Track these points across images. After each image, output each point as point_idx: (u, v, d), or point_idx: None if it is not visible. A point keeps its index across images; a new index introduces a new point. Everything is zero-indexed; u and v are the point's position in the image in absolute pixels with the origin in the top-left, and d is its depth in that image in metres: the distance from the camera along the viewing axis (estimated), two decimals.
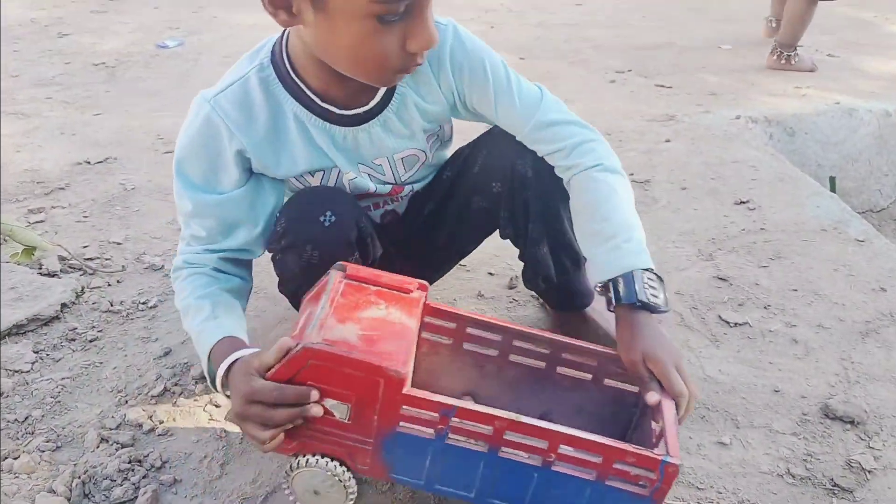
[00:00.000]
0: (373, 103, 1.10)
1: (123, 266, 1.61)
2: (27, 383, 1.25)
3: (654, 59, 3.17)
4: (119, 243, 1.71)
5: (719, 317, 1.48)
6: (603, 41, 3.42)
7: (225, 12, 3.92)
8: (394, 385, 0.85)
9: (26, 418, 1.18)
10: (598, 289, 1.10)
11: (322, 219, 1.05)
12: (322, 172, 1.14)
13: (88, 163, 2.14)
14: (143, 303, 1.48)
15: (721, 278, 1.61)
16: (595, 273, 1.10)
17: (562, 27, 3.62)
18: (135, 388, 1.25)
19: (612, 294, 1.05)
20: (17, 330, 1.37)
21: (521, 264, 1.34)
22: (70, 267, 1.59)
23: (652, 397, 0.95)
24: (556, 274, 1.29)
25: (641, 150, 2.27)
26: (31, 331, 1.38)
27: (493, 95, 1.13)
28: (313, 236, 1.05)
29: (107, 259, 1.64)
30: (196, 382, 1.26)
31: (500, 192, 1.20)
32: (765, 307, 1.52)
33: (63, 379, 1.26)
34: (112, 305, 1.47)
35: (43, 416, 1.18)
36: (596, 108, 2.59)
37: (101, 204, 1.90)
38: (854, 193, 2.66)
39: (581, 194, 1.13)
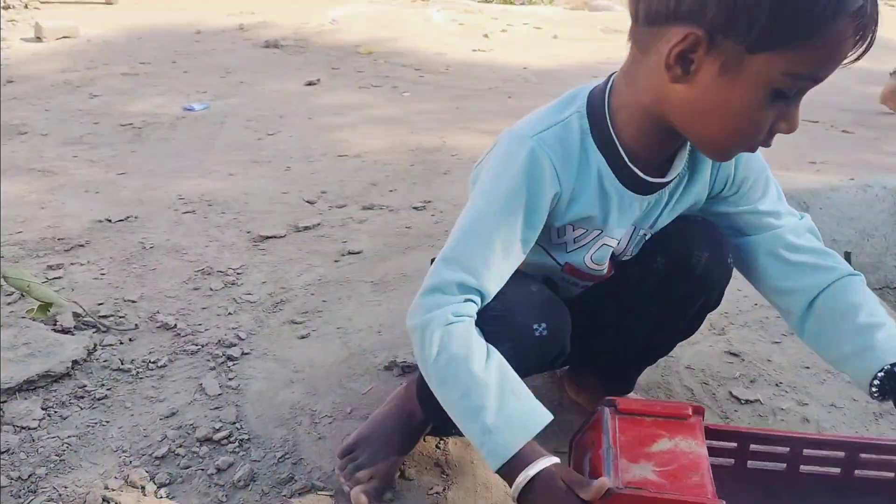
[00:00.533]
0: (671, 176, 1.09)
1: (136, 324, 1.63)
2: (33, 440, 1.26)
3: None
4: (134, 301, 1.73)
5: (730, 393, 1.46)
6: None
7: (252, 77, 4.05)
8: None
9: (30, 476, 1.18)
10: (874, 387, 1.05)
11: (536, 327, 1.05)
12: (584, 231, 1.11)
13: (109, 220, 2.19)
14: (153, 362, 1.49)
15: (733, 353, 1.60)
16: (873, 360, 1.05)
17: None
18: (139, 448, 1.25)
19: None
20: (28, 386, 1.38)
21: None
22: (84, 324, 1.62)
23: None
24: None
25: None
26: (42, 387, 1.39)
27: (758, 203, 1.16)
28: (522, 342, 1.05)
29: (121, 317, 1.66)
30: (201, 444, 1.26)
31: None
32: (776, 384, 1.50)
33: (69, 437, 1.26)
34: (122, 364, 1.48)
35: (47, 474, 1.18)
36: None
37: (119, 262, 1.93)
38: (870, 270, 2.64)
39: (847, 295, 1.12)
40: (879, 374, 1.03)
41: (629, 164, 1.05)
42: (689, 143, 1.08)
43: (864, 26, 0.88)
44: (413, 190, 2.55)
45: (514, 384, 0.98)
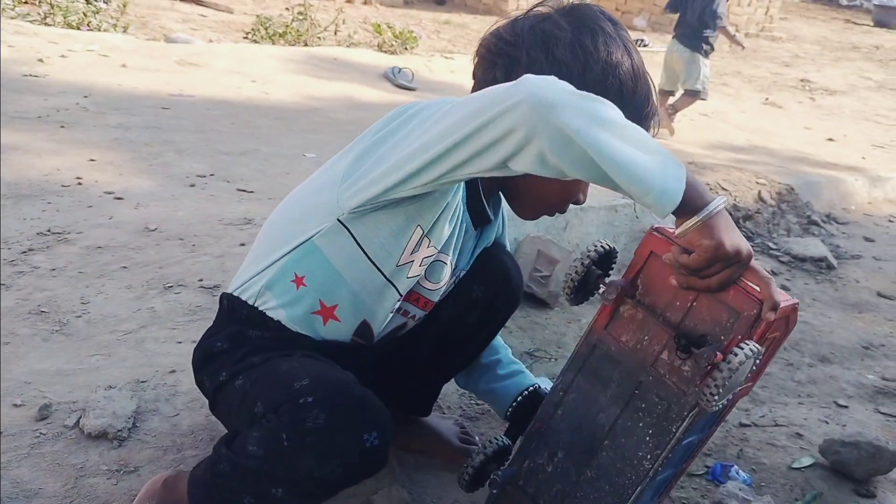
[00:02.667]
0: (492, 216, 1.28)
1: None
2: None
3: (239, 165, 3.18)
4: None
5: None
6: (187, 145, 3.34)
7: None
8: None
9: None
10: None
11: (366, 437, 0.95)
12: (428, 240, 1.14)
13: None
14: None
15: None
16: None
17: (143, 130, 3.46)
18: None
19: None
20: None
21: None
22: None
23: None
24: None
25: (215, 253, 2.20)
26: None
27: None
28: (347, 453, 0.95)
29: None
30: None
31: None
32: None
33: None
34: None
35: None
36: (169, 213, 2.47)
37: None
38: None
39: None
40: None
41: (482, 196, 1.21)
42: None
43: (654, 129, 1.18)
44: None
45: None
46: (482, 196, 1.21)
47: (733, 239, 0.94)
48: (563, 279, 1.21)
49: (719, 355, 0.98)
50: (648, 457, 1.08)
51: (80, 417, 1.40)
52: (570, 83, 0.96)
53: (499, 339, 1.48)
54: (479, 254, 1.30)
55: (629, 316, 1.08)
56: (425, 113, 1.07)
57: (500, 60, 1.13)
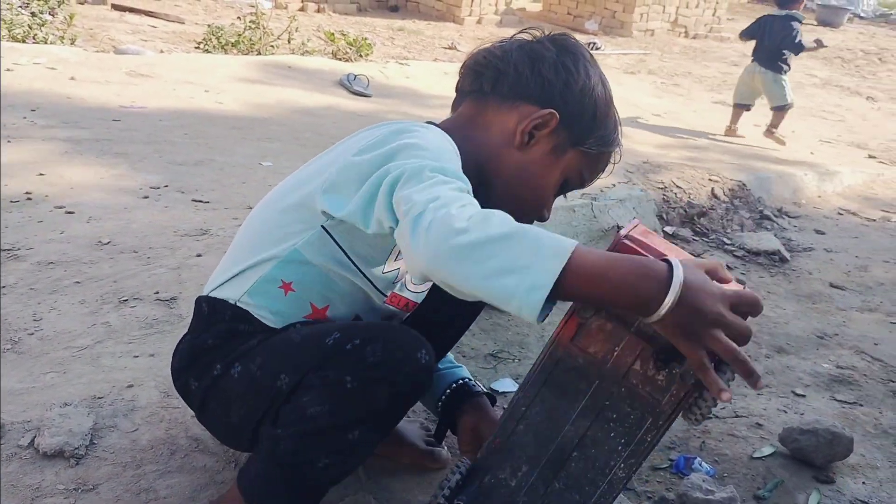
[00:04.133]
0: None
1: None
2: None
3: (194, 176, 3.13)
4: None
5: None
6: (140, 157, 3.28)
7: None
8: None
9: None
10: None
11: (419, 355, 1.04)
12: None
13: None
14: None
15: None
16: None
17: (94, 142, 3.39)
18: None
19: None
20: None
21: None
22: None
23: None
24: None
25: (171, 265, 2.16)
26: None
27: None
28: (412, 371, 1.03)
29: None
30: None
31: None
32: None
33: None
34: None
35: None
36: (123, 226, 2.42)
37: None
38: None
39: None
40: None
41: None
42: None
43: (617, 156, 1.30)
44: None
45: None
46: None
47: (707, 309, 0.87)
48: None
49: None
50: (622, 465, 1.06)
51: (35, 437, 1.37)
52: (553, 98, 1.19)
53: None
54: None
55: (597, 327, 1.03)
56: (407, 159, 1.03)
57: (487, 72, 1.23)
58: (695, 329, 0.86)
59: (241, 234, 1.25)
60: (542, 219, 1.28)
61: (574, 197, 3.34)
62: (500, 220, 0.89)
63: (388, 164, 1.02)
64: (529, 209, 1.25)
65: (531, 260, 0.84)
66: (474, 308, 1.42)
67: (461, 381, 1.46)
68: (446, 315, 1.37)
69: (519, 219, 1.24)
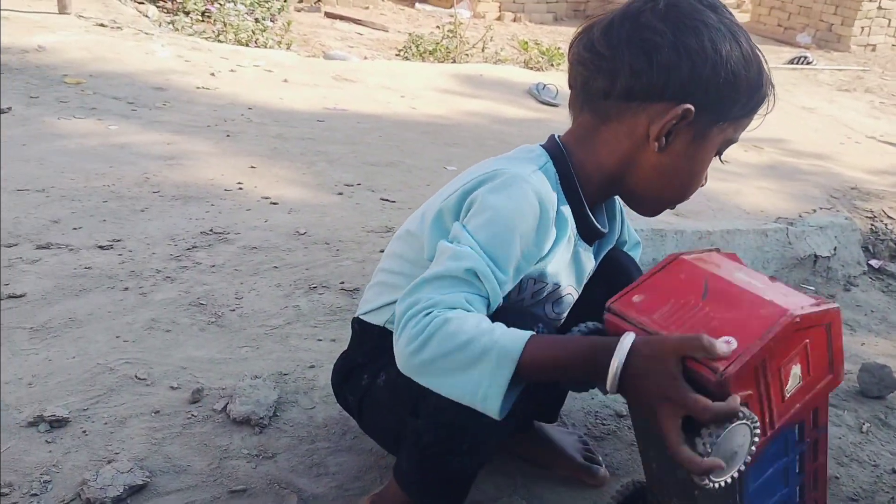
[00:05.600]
0: (605, 228, 1.23)
1: None
2: None
3: (384, 176, 3.31)
4: None
5: None
6: (338, 156, 3.51)
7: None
8: None
9: None
10: None
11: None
12: (543, 285, 1.15)
13: None
14: None
15: None
16: None
17: (299, 140, 3.68)
18: None
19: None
20: None
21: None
22: None
23: None
24: None
25: (357, 258, 2.30)
26: None
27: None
28: None
29: None
30: None
31: None
32: None
33: None
34: None
35: None
36: (318, 219, 2.61)
37: None
38: None
39: None
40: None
41: (590, 214, 1.16)
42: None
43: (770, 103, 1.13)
44: (101, 228, 2.34)
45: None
46: (588, 213, 1.17)
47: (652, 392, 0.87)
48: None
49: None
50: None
51: (228, 403, 1.51)
52: (679, 84, 1.04)
53: None
54: (602, 257, 1.29)
55: None
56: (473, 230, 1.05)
57: (600, 76, 1.08)
58: (650, 402, 0.87)
59: (392, 257, 1.26)
60: (684, 199, 1.19)
61: (768, 220, 3.15)
62: (463, 336, 0.93)
63: (455, 223, 1.06)
64: (680, 197, 1.17)
65: (482, 372, 0.92)
66: None
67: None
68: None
69: (663, 209, 1.20)
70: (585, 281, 1.26)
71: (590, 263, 1.24)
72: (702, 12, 1.05)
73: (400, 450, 1.21)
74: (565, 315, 1.26)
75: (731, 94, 1.06)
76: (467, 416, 1.00)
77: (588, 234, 1.19)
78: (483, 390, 0.91)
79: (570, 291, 1.22)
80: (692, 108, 1.04)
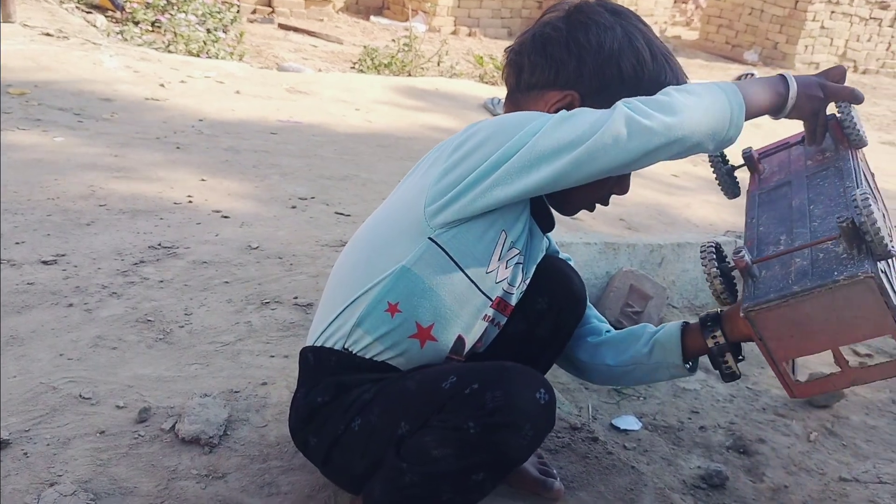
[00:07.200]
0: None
1: None
2: None
3: (339, 189, 3.29)
4: None
5: None
6: (291, 169, 3.48)
7: None
8: None
9: None
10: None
11: (539, 396, 1.03)
12: (512, 243, 1.18)
13: None
14: None
15: None
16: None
17: (252, 153, 3.63)
18: None
19: None
20: None
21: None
22: None
23: None
24: None
25: (311, 273, 2.28)
26: None
27: None
28: (533, 414, 1.02)
29: None
30: None
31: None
32: None
33: None
34: None
35: None
36: (271, 233, 2.58)
37: None
38: None
39: None
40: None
41: (547, 203, 1.25)
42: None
43: None
44: (45, 242, 2.27)
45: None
46: (545, 200, 1.24)
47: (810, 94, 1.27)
48: (710, 290, 1.32)
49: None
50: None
51: (176, 422, 1.47)
52: (567, 78, 1.19)
53: (592, 310, 1.49)
54: (538, 265, 1.30)
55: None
56: (504, 131, 1.11)
57: (512, 69, 1.26)
58: (815, 105, 1.29)
59: (337, 276, 1.26)
60: (593, 209, 1.29)
61: (717, 233, 3.21)
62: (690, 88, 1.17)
63: (518, 133, 1.10)
64: (584, 200, 1.26)
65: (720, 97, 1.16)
66: (565, 327, 1.38)
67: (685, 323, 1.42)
68: (538, 339, 1.35)
69: (583, 208, 1.27)
70: (530, 272, 1.28)
71: (538, 249, 1.27)
72: (599, 13, 1.21)
73: (374, 479, 1.14)
74: (516, 292, 1.26)
75: (619, 86, 1.18)
76: (461, 470, 1.02)
77: (542, 221, 1.25)
78: (731, 109, 1.15)
79: (522, 261, 1.23)
80: (577, 94, 1.19)
